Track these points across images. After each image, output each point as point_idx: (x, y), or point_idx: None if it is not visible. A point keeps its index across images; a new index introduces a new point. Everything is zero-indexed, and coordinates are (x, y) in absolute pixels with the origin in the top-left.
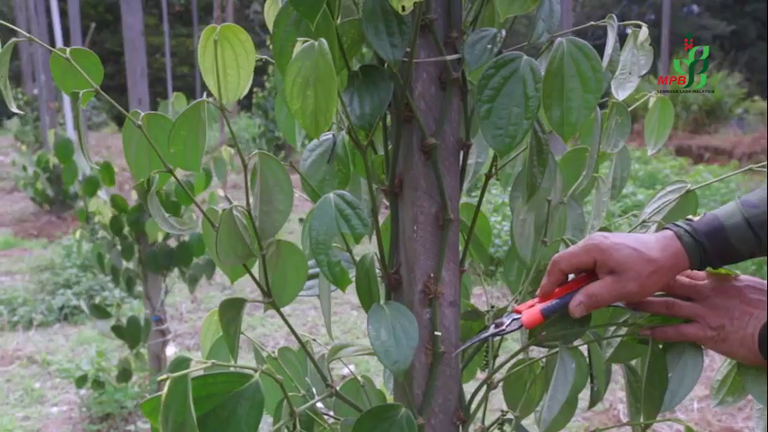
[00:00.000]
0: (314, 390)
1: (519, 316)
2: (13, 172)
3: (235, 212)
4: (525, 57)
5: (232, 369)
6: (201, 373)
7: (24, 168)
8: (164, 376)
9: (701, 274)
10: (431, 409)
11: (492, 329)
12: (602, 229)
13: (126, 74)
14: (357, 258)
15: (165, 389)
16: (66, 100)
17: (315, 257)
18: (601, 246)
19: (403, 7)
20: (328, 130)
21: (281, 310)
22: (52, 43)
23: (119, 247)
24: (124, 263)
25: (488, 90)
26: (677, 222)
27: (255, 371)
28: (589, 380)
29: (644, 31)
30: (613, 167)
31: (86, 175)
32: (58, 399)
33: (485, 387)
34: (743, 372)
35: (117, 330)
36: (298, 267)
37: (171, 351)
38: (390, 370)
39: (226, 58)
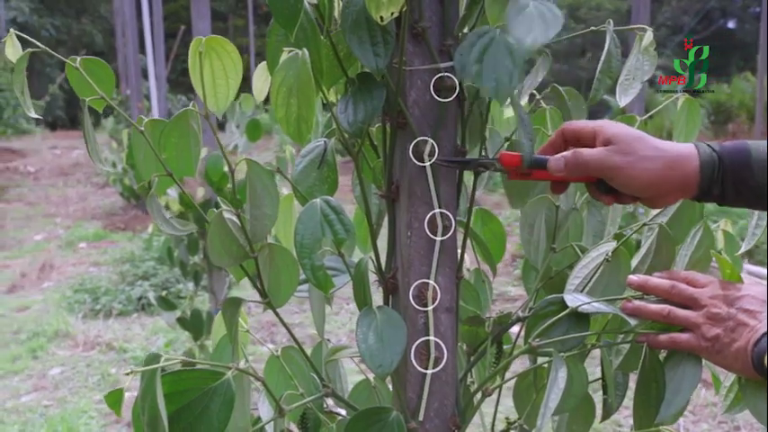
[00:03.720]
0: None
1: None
2: (105, 168)
3: (227, 215)
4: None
5: (205, 366)
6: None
7: (114, 165)
8: (128, 370)
9: (702, 280)
10: (426, 413)
11: (467, 157)
12: (618, 237)
13: None
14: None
15: (140, 383)
16: (155, 100)
17: (299, 261)
18: (610, 121)
19: (381, 18)
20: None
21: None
22: (142, 46)
23: (185, 242)
24: (191, 257)
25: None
26: None
27: (229, 368)
28: (602, 391)
29: (648, 36)
30: None
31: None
32: (131, 384)
33: (479, 394)
34: (742, 384)
35: (182, 322)
36: (290, 270)
37: None
38: (375, 373)
39: (215, 69)
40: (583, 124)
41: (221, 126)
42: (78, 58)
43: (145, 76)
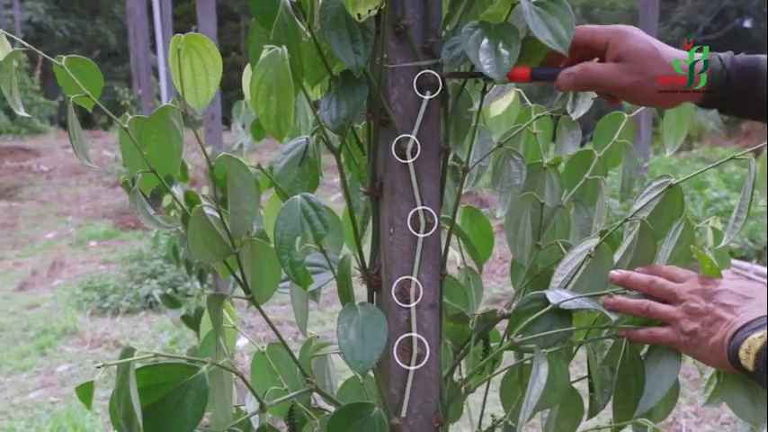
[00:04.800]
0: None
1: None
2: (116, 167)
3: (208, 210)
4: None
5: (181, 360)
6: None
7: (125, 164)
8: (100, 364)
9: (682, 274)
10: (409, 410)
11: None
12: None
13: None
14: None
15: (116, 375)
16: (165, 99)
17: (278, 257)
18: (623, 29)
19: (359, 15)
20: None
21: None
22: (154, 46)
23: None
24: None
25: None
26: None
27: (205, 363)
28: (588, 388)
29: None
30: (622, 171)
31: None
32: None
33: (463, 390)
34: (721, 378)
35: (186, 320)
36: (272, 265)
37: (242, 342)
38: (355, 369)
39: (195, 66)
40: (594, 35)
41: (227, 125)
42: (64, 57)
43: (156, 75)
